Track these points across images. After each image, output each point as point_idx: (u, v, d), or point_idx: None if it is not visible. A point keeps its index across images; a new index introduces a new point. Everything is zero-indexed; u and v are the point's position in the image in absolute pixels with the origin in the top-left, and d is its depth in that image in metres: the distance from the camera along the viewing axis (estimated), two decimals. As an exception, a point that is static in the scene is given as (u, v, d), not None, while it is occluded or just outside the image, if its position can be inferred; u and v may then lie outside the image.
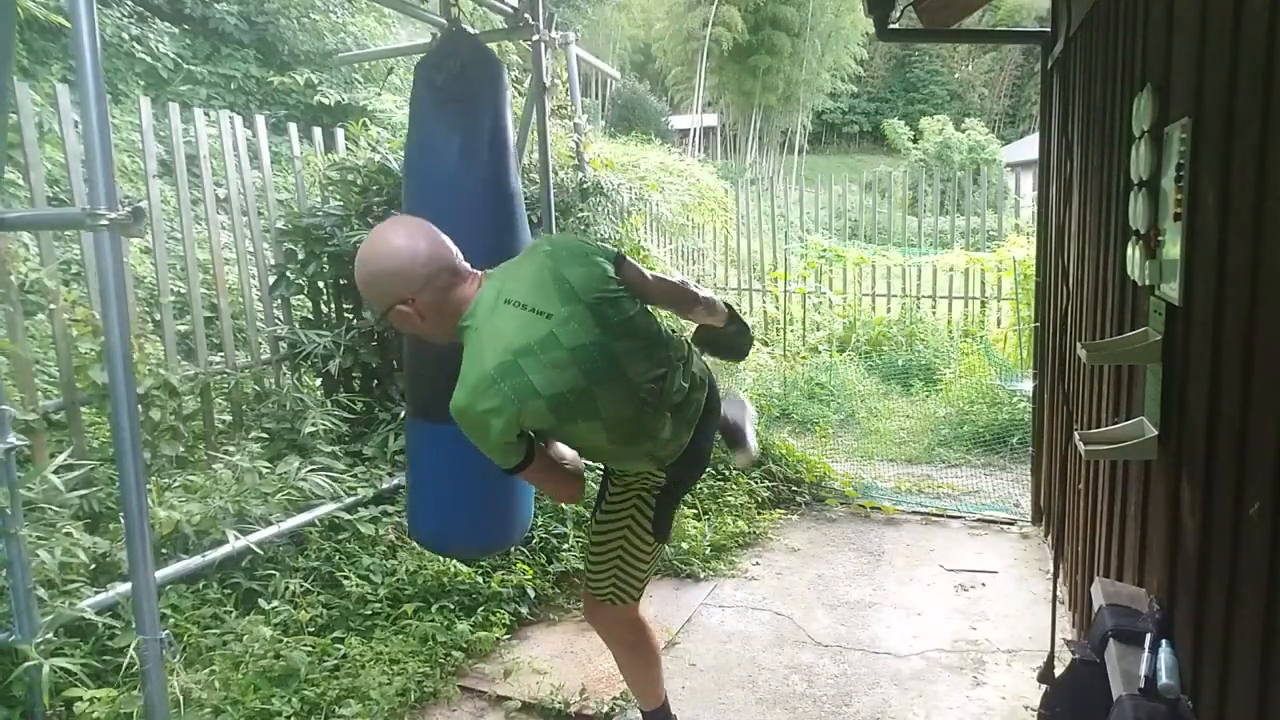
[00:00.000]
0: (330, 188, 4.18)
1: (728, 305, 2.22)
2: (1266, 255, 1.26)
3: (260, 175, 4.05)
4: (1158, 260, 1.83)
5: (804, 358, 7.26)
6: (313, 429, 3.46)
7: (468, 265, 1.82)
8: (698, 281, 2.17)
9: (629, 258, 1.98)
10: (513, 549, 3.38)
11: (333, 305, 4.19)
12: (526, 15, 3.47)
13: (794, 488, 4.54)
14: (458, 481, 2.48)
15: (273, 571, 3.02)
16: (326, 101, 10.60)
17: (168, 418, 3.18)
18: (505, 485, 2.51)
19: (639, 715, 2.43)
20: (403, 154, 2.79)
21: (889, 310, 8.09)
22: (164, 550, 2.83)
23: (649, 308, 1.99)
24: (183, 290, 3.78)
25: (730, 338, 2.21)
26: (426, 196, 2.40)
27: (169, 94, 9.34)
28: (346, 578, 3.06)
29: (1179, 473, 1.69)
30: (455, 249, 1.80)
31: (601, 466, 2.19)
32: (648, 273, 2.02)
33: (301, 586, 2.99)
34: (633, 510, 2.11)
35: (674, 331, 2.08)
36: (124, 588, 2.49)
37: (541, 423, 1.76)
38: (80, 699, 2.29)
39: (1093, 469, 2.67)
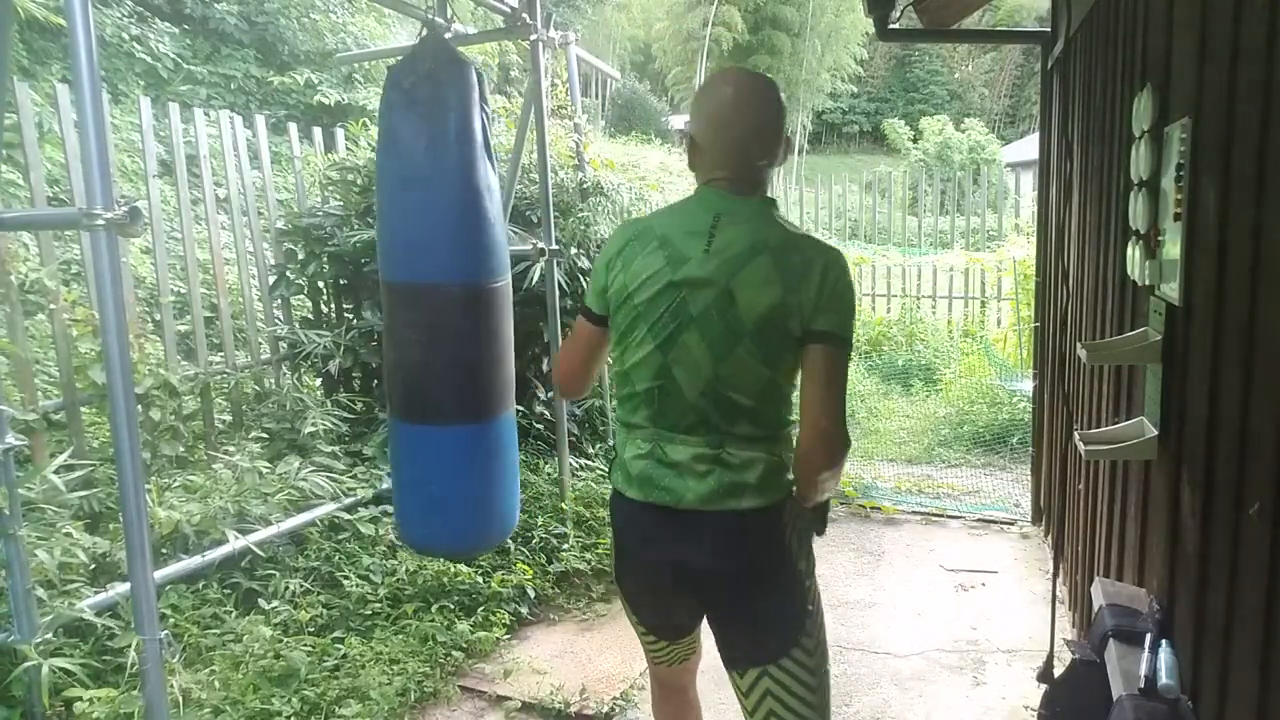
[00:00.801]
0: (330, 188, 4.18)
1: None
2: (1266, 255, 1.26)
3: (260, 175, 4.05)
4: (1158, 260, 1.83)
5: (804, 358, 7.24)
6: (313, 429, 3.46)
7: (743, 177, 1.70)
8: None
9: (831, 356, 1.57)
10: (513, 549, 3.39)
11: (333, 305, 4.19)
12: (524, 15, 3.47)
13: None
14: (438, 481, 2.50)
15: (273, 571, 3.03)
16: (326, 101, 10.61)
17: (168, 418, 3.19)
18: (486, 484, 2.52)
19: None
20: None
21: (889, 310, 8.09)
22: (164, 550, 2.83)
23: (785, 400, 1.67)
24: (183, 290, 3.77)
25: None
26: (394, 188, 2.48)
27: (169, 94, 9.34)
28: (346, 578, 3.07)
29: (1179, 473, 1.69)
30: (754, 158, 1.70)
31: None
32: (827, 376, 1.57)
33: (301, 586, 2.99)
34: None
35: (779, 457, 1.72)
36: (123, 588, 2.49)
37: (614, 297, 1.70)
38: (80, 699, 2.29)
39: (1093, 469, 2.67)
